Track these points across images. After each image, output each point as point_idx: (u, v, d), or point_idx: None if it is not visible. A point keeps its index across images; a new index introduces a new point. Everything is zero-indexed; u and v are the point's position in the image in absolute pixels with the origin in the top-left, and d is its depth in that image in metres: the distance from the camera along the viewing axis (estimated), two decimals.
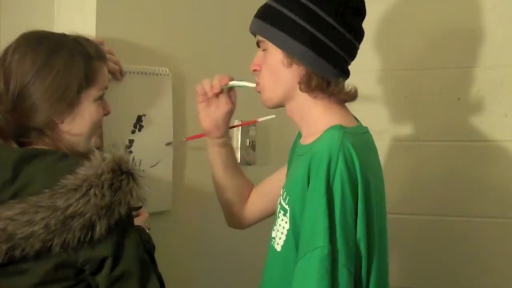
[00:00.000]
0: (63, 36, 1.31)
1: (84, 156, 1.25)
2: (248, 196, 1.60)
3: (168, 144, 1.67)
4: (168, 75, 1.68)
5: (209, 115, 1.52)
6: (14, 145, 1.26)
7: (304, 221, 1.26)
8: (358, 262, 1.25)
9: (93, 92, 1.30)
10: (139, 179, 1.22)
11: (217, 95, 1.50)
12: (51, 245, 1.16)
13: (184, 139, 1.71)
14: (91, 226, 1.16)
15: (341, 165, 1.24)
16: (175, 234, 1.75)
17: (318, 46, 1.31)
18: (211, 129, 1.53)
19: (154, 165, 1.64)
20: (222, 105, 1.51)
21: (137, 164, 1.53)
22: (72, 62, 1.27)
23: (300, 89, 1.34)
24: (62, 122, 1.28)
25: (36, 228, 1.15)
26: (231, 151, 1.57)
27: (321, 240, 1.21)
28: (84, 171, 1.18)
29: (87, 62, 1.29)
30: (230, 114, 1.53)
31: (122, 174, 1.19)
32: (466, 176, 2.04)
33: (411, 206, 2.11)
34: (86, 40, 1.33)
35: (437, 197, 2.08)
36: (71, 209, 1.15)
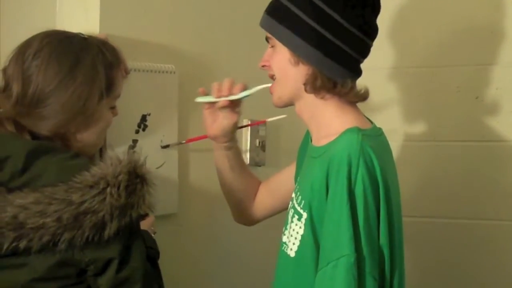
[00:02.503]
0: (85, 42, 1.29)
1: (91, 158, 1.25)
2: (256, 192, 1.59)
3: (164, 147, 1.64)
4: (174, 72, 1.65)
5: (215, 122, 1.50)
6: (28, 137, 1.25)
7: (325, 229, 1.24)
8: (381, 269, 1.24)
9: (110, 101, 1.31)
10: (152, 185, 1.21)
11: (225, 106, 1.47)
12: (59, 240, 1.15)
13: (184, 141, 1.68)
14: (102, 226, 1.16)
15: (362, 169, 1.22)
16: (182, 238, 1.73)
17: (325, 45, 1.28)
18: (217, 136, 1.51)
19: (160, 166, 1.62)
20: (229, 117, 1.49)
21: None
22: (95, 72, 1.26)
23: (305, 90, 1.31)
24: (77, 131, 1.27)
25: (48, 220, 1.14)
26: (237, 153, 1.56)
27: (346, 249, 1.19)
28: (100, 170, 1.18)
29: (108, 71, 1.29)
30: (235, 125, 1.51)
31: (137, 178, 1.19)
32: (483, 178, 2.02)
33: (425, 208, 2.08)
34: (105, 44, 1.31)
35: (453, 199, 2.05)
36: (85, 205, 1.15)
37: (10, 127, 1.24)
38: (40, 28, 1.30)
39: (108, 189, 1.16)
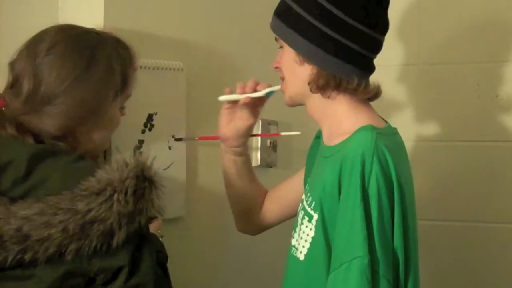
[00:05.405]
0: (100, 38, 1.27)
1: (95, 158, 1.23)
2: (262, 202, 1.57)
3: (177, 139, 1.62)
4: (181, 70, 1.63)
5: (230, 123, 1.49)
6: (31, 140, 1.21)
7: (338, 229, 1.23)
8: (396, 272, 1.22)
9: (122, 101, 1.30)
10: (160, 188, 1.18)
11: (244, 104, 1.47)
12: (65, 251, 1.12)
13: (197, 138, 1.67)
14: (110, 234, 1.13)
15: (376, 168, 1.20)
16: (189, 242, 1.70)
17: (326, 42, 1.28)
18: (229, 138, 1.50)
19: (167, 168, 1.59)
20: (246, 118, 1.49)
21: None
22: (110, 71, 1.24)
23: (310, 90, 1.31)
24: (87, 131, 1.25)
25: (53, 231, 1.12)
26: (247, 160, 1.54)
27: (359, 250, 1.18)
28: (106, 174, 1.15)
29: (123, 71, 1.27)
30: (251, 127, 1.51)
31: (145, 181, 1.16)
32: (504, 179, 1.98)
33: (442, 211, 2.05)
34: (118, 41, 1.29)
35: (472, 202, 2.02)
36: (92, 214, 1.12)
37: (11, 130, 1.20)
38: (42, 20, 1.29)
39: (115, 196, 1.13)
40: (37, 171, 1.16)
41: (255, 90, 1.46)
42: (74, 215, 1.12)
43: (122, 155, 1.18)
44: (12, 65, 1.24)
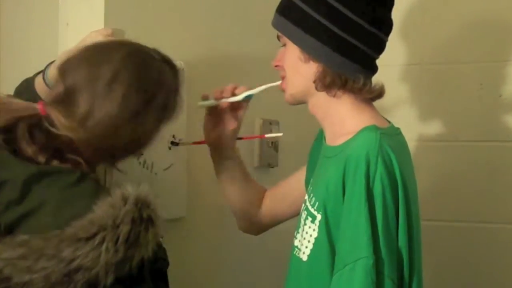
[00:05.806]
0: (161, 68, 1.21)
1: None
2: (261, 201, 1.57)
3: (174, 144, 1.60)
4: (182, 69, 1.56)
5: (214, 129, 1.49)
6: (42, 159, 1.15)
7: (342, 230, 1.22)
8: (400, 272, 1.22)
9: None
10: (159, 225, 1.12)
11: (223, 109, 1.46)
12: None
13: (191, 142, 1.64)
14: (95, 281, 1.07)
15: (381, 169, 1.20)
16: (190, 243, 1.69)
17: (333, 40, 1.27)
18: (214, 143, 1.50)
19: (168, 168, 1.58)
20: (228, 122, 1.48)
21: (149, 168, 1.51)
22: (166, 109, 1.21)
23: (316, 88, 1.30)
24: (127, 157, 1.25)
25: (35, 276, 1.06)
26: (237, 162, 1.53)
27: (364, 250, 1.17)
28: (101, 212, 1.08)
29: (175, 103, 1.23)
30: (235, 131, 1.49)
31: (141, 223, 1.09)
32: (507, 180, 1.99)
33: (445, 212, 2.06)
34: (170, 63, 1.24)
35: (475, 202, 2.03)
36: (77, 262, 1.06)
37: (31, 150, 1.15)
38: (42, 20, 1.26)
39: (104, 245, 1.06)
40: (32, 194, 1.11)
41: (234, 94, 1.44)
42: (58, 263, 1.06)
43: (121, 190, 1.11)
44: (65, 72, 1.17)
